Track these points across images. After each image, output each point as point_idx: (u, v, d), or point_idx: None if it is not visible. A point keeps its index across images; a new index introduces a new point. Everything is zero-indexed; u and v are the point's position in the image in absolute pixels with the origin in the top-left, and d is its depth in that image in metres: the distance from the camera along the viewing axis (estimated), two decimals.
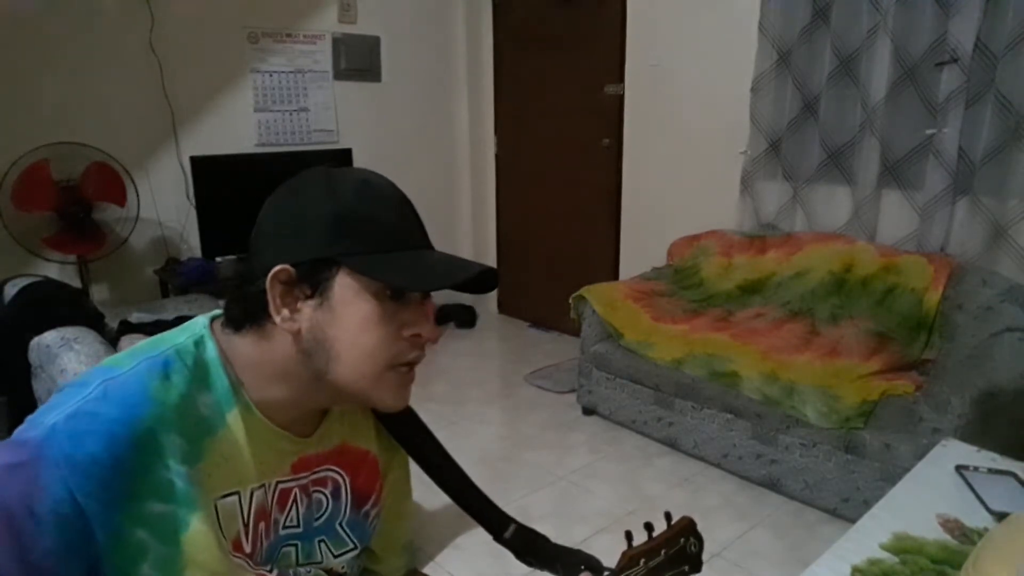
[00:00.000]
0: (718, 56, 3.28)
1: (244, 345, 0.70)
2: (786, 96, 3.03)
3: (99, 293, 3.27)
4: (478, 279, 0.71)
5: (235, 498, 0.69)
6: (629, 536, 0.85)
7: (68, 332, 1.84)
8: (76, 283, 3.06)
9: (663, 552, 0.85)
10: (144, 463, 0.61)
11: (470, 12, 4.39)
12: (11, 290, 2.39)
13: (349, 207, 0.68)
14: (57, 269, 3.08)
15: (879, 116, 2.75)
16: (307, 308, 0.68)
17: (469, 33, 4.42)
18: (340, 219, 0.67)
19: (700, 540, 0.90)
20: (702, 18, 3.31)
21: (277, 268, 0.66)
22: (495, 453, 2.86)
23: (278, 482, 0.73)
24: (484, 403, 3.36)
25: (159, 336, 0.70)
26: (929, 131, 2.65)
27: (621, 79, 3.71)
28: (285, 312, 0.67)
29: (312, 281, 0.67)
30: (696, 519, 0.88)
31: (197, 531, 0.64)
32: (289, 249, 0.67)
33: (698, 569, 0.90)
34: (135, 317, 2.56)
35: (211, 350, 0.69)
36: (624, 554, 0.84)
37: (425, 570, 2.04)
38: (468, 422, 3.13)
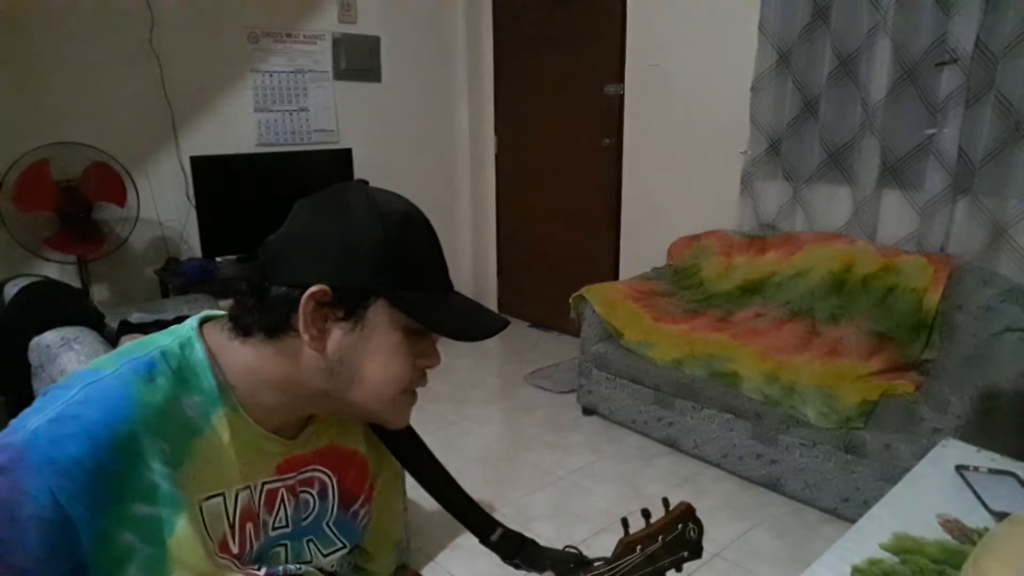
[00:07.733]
0: (718, 56, 3.28)
1: (245, 351, 0.70)
2: (786, 96, 3.03)
3: (99, 293, 3.27)
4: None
5: (220, 499, 0.69)
6: (625, 523, 0.85)
7: (68, 332, 1.83)
8: (76, 283, 3.06)
9: (660, 538, 0.84)
10: (127, 465, 0.61)
11: (470, 12, 4.39)
12: (11, 290, 2.38)
13: (398, 241, 0.69)
14: (57, 269, 3.08)
15: (879, 116, 2.74)
16: (337, 330, 0.69)
17: (469, 33, 4.42)
18: (390, 252, 0.68)
19: (700, 525, 0.89)
20: (702, 18, 3.31)
21: (316, 288, 0.66)
22: (495, 453, 2.86)
23: (264, 483, 0.73)
24: (484, 403, 3.36)
25: (146, 338, 0.70)
26: (929, 131, 2.65)
27: (621, 79, 3.71)
28: (314, 331, 0.68)
29: (348, 306, 0.68)
30: None
31: (183, 533, 0.64)
32: (332, 271, 0.67)
33: (698, 555, 0.89)
34: (135, 317, 2.56)
35: (199, 352, 0.69)
36: (620, 542, 0.83)
37: (425, 570, 2.05)
38: (468, 422, 3.13)
